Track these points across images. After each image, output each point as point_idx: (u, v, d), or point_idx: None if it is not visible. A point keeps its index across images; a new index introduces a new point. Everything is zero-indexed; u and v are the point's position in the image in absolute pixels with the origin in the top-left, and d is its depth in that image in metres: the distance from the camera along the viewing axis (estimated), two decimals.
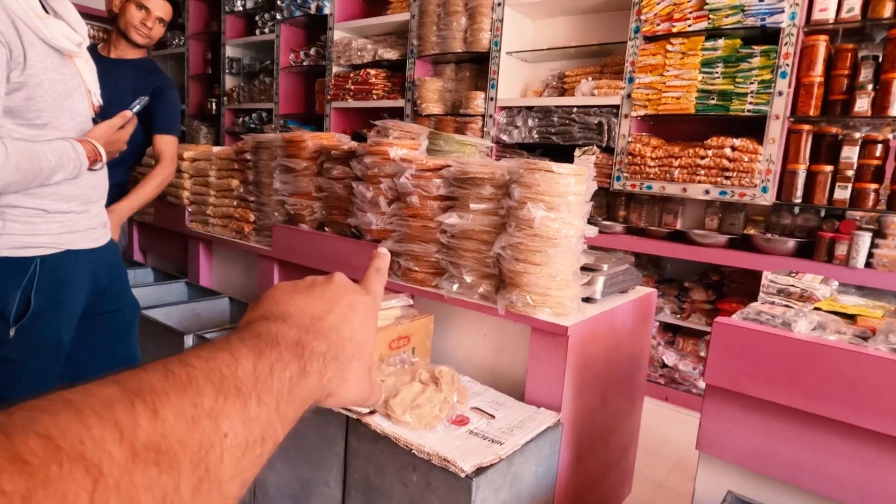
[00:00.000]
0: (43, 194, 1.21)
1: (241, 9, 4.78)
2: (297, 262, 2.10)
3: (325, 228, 2.04)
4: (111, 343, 1.47)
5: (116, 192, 1.97)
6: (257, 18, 4.71)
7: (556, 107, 3.21)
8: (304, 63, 4.40)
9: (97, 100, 1.33)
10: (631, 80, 2.87)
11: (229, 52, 4.98)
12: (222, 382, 0.26)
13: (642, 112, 2.84)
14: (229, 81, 5.03)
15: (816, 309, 1.23)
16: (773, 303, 1.23)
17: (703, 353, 2.84)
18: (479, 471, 1.17)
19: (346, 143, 2.02)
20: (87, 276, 1.34)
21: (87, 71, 1.30)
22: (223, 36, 4.92)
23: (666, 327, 2.97)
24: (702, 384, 2.79)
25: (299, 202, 2.09)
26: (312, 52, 4.36)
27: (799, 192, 2.54)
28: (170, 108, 2.09)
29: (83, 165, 1.23)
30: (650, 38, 2.83)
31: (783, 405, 1.07)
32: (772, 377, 1.06)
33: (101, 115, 1.97)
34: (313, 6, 4.13)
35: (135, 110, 1.43)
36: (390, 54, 3.93)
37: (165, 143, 2.06)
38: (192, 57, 5.35)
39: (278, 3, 4.37)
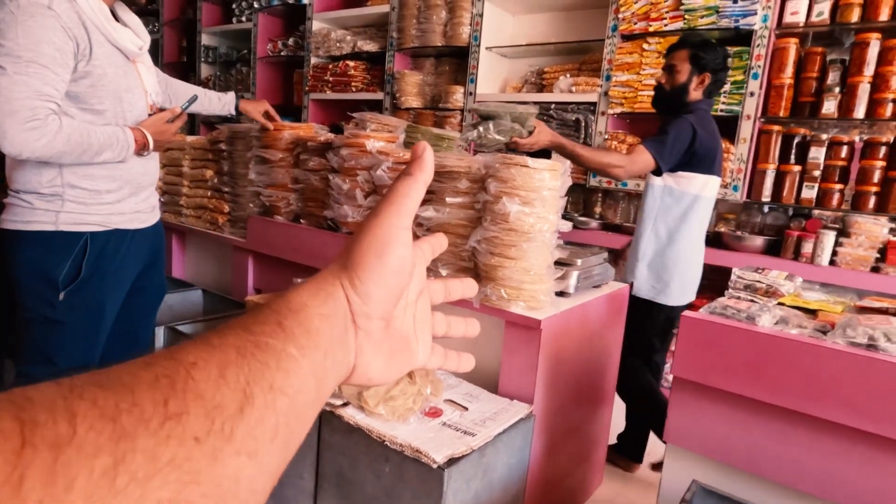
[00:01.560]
0: (97, 176, 1.37)
1: None
2: (272, 254, 2.08)
3: (301, 220, 2.03)
4: (140, 316, 1.62)
5: None
6: (234, 6, 4.62)
7: (535, 103, 3.22)
8: (283, 53, 4.34)
9: (153, 100, 1.49)
10: (608, 78, 2.90)
11: (205, 40, 4.89)
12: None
13: (619, 110, 2.87)
14: (205, 70, 4.94)
15: (780, 304, 1.27)
16: (739, 298, 1.26)
17: (674, 349, 2.90)
18: (451, 462, 1.19)
19: (323, 134, 2.01)
20: (132, 253, 1.48)
21: (147, 74, 1.48)
22: (199, 23, 4.83)
23: None
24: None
25: (275, 193, 2.07)
26: (291, 42, 4.30)
27: (768, 191, 2.60)
28: None
29: (130, 148, 1.36)
30: (627, 37, 2.87)
31: (747, 397, 1.10)
32: (736, 369, 1.09)
33: None
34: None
35: (184, 108, 1.52)
36: (370, 46, 3.90)
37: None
38: (167, 44, 5.24)
39: None
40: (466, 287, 0.42)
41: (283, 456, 0.25)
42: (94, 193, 1.38)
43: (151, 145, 1.42)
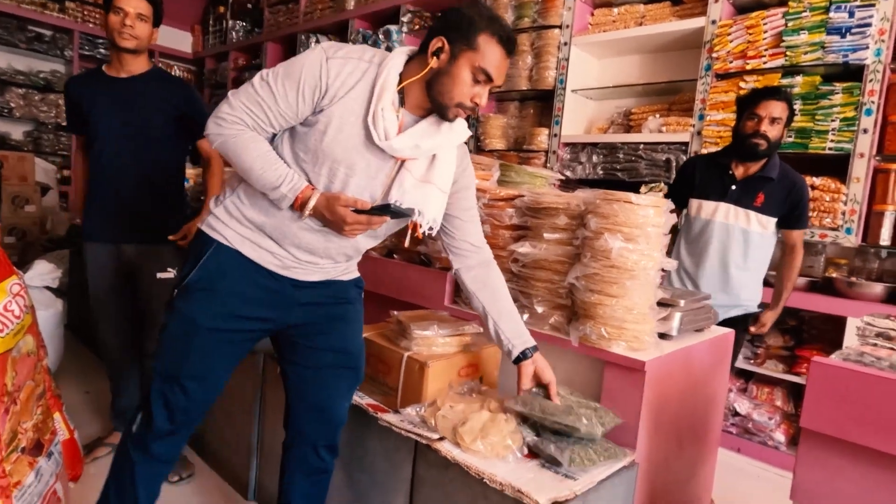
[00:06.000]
0: (255, 202, 1.27)
1: None
2: (367, 288, 2.13)
3: (394, 256, 2.08)
4: (328, 390, 1.43)
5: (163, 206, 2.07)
6: None
7: (622, 143, 3.19)
8: None
9: (399, 205, 1.25)
10: (702, 118, 2.83)
11: None
12: None
13: (713, 149, 2.77)
14: None
15: None
16: (875, 345, 1.15)
17: (779, 403, 2.67)
18: None
19: None
20: (254, 290, 1.29)
21: (414, 183, 1.26)
22: None
23: (738, 373, 2.82)
24: (779, 436, 2.60)
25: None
26: None
27: (887, 235, 2.40)
28: (203, 112, 2.06)
29: (286, 196, 1.21)
30: (722, 76, 2.80)
31: (891, 454, 0.98)
32: (880, 423, 0.98)
33: (124, 134, 1.99)
34: (383, 47, 4.32)
35: (375, 208, 1.23)
36: None
37: (209, 144, 2.10)
38: None
39: (350, 40, 4.61)
40: None
41: None
42: (241, 212, 1.28)
43: (310, 207, 1.21)
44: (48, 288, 2.71)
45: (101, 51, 5.83)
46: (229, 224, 1.29)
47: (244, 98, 1.20)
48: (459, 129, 1.30)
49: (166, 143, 2.05)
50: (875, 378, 0.98)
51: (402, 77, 1.22)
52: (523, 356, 1.38)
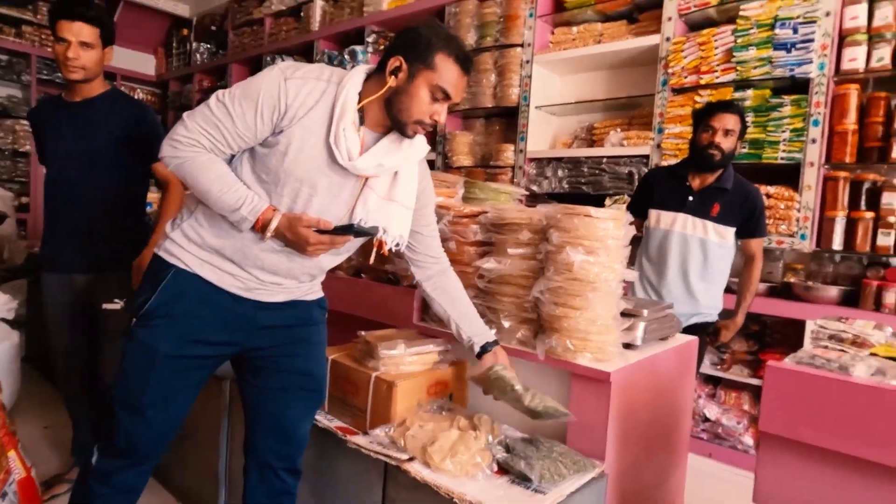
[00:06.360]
0: (214, 224, 1.25)
1: None
2: (334, 308, 2.11)
3: (362, 275, 2.07)
4: (286, 411, 1.40)
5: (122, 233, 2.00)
6: None
7: (586, 158, 3.25)
8: None
9: (364, 223, 1.26)
10: (660, 131, 2.91)
11: None
12: None
13: (673, 161, 2.85)
14: None
15: (873, 354, 1.18)
16: (826, 347, 1.19)
17: (747, 407, 2.72)
18: None
19: None
20: (215, 314, 1.27)
21: (376, 200, 1.27)
22: None
23: (706, 379, 2.87)
24: (748, 440, 2.66)
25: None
26: None
27: (839, 240, 2.49)
28: (158, 132, 1.99)
29: (245, 219, 1.20)
30: (678, 91, 2.89)
31: (846, 454, 1.01)
32: (831, 424, 1.01)
33: (75, 158, 1.93)
34: (349, 67, 4.34)
35: (337, 228, 1.23)
36: None
37: (165, 167, 2.03)
38: None
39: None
40: None
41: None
42: (199, 235, 1.26)
43: (271, 228, 1.20)
44: (4, 320, 2.61)
45: (59, 75, 5.71)
46: (187, 248, 1.26)
47: (200, 120, 1.19)
48: (419, 145, 1.32)
49: (120, 167, 1.97)
50: (825, 380, 1.02)
51: (361, 96, 1.23)
52: (483, 350, 1.48)
